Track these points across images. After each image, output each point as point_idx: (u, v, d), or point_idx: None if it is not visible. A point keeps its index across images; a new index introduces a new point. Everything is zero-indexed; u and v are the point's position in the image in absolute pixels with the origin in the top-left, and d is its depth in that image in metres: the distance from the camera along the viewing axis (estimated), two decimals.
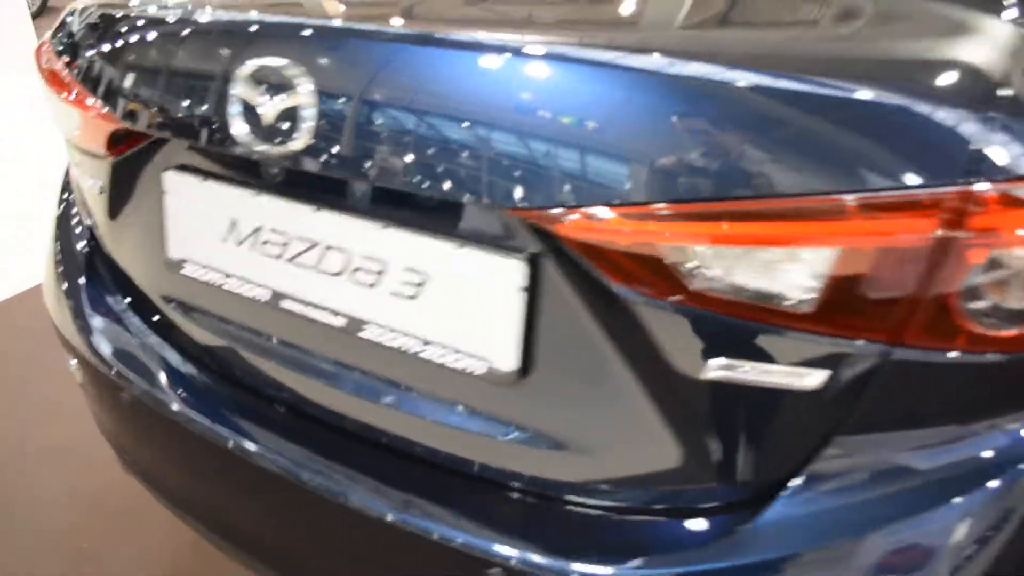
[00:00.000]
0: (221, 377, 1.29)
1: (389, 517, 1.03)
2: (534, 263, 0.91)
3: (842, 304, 0.80)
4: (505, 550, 0.96)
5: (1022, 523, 0.84)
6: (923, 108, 0.76)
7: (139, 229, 1.33)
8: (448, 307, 0.99)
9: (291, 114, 0.98)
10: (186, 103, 1.10)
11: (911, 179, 0.74)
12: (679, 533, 0.93)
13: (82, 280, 1.47)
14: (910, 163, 0.75)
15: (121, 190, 1.33)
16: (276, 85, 0.99)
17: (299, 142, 0.98)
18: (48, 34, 1.44)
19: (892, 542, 0.85)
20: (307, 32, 1.02)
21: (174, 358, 1.34)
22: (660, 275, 0.84)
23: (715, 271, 0.82)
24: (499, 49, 0.90)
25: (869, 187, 0.75)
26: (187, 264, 1.24)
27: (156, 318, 1.38)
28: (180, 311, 1.32)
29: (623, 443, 0.96)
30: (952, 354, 0.81)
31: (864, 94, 0.77)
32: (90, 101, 1.24)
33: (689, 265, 0.82)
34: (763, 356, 0.84)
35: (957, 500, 0.83)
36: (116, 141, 1.28)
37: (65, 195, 1.63)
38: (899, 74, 0.83)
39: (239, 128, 1.03)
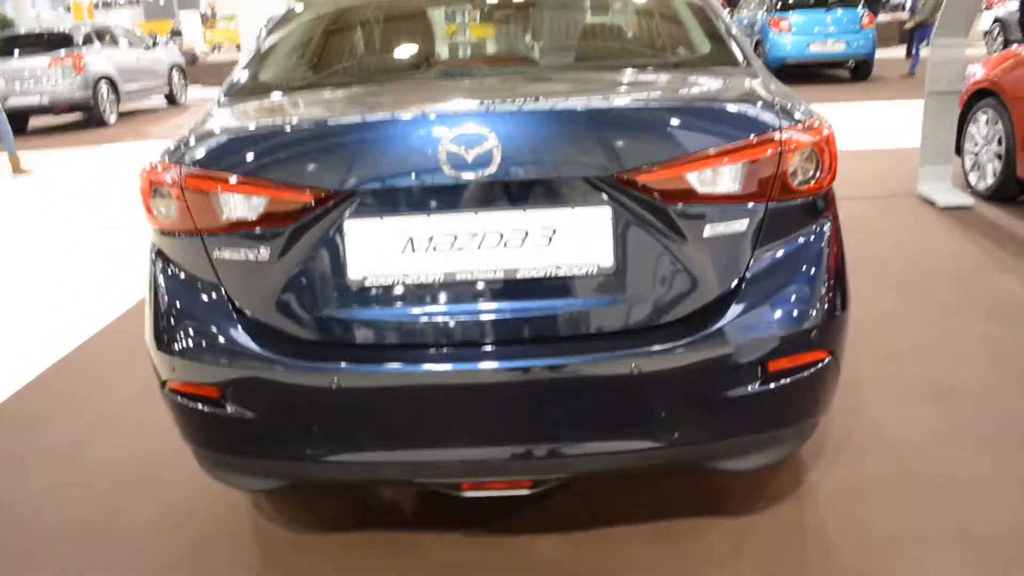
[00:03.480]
0: (405, 343, 1.85)
1: (559, 371, 1.79)
2: (613, 205, 1.79)
3: (745, 186, 1.80)
4: (629, 359, 1.78)
5: (826, 247, 1.93)
6: (761, 110, 1.87)
7: (311, 268, 1.84)
8: (569, 243, 1.80)
9: (485, 156, 1.72)
10: (412, 162, 1.75)
11: (763, 129, 1.81)
12: (703, 319, 1.83)
13: (240, 332, 1.89)
14: (759, 127, 1.81)
15: (291, 246, 1.83)
16: (473, 140, 1.72)
17: (492, 169, 1.73)
18: (184, 156, 1.89)
19: (789, 272, 1.90)
20: (491, 109, 1.80)
21: (365, 348, 1.86)
22: (685, 192, 1.78)
23: (703, 184, 1.78)
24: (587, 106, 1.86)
25: (753, 136, 1.80)
26: (368, 278, 1.83)
27: (340, 326, 1.85)
28: (363, 311, 1.84)
29: (672, 287, 1.83)
30: (790, 201, 1.86)
31: (733, 106, 1.90)
32: (288, 185, 1.79)
33: (694, 182, 1.77)
34: (724, 217, 1.81)
35: (806, 251, 1.91)
36: (297, 212, 1.79)
37: (167, 289, 1.98)
38: (740, 98, 1.96)
39: (450, 170, 1.73)
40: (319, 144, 1.84)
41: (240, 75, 2.42)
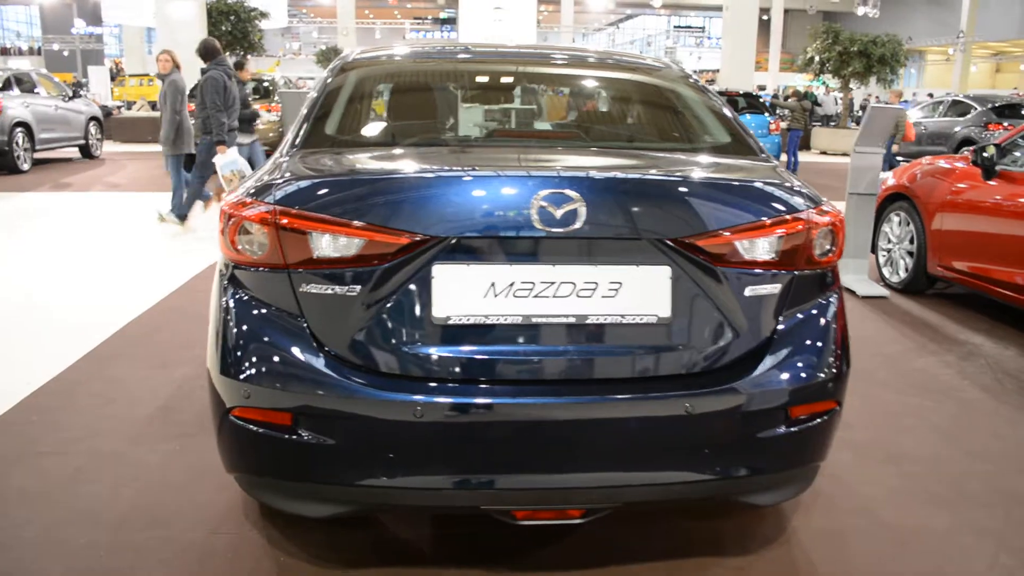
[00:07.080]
0: (483, 378, 2.01)
1: (620, 407, 2.01)
2: (673, 265, 2.04)
3: (780, 255, 2.12)
4: (683, 399, 2.02)
5: (836, 312, 2.27)
6: (792, 194, 2.20)
7: (397, 306, 2.00)
8: (633, 295, 2.04)
9: (571, 215, 1.97)
10: (503, 215, 1.98)
11: (796, 208, 2.16)
12: (745, 366, 2.10)
13: (322, 362, 2.01)
14: (793, 206, 2.16)
15: (380, 285, 1.99)
16: (561, 200, 1.97)
17: (576, 225, 1.97)
18: (279, 197, 2.02)
19: (810, 331, 2.20)
20: (578, 174, 2.08)
21: (447, 381, 2.01)
22: (732, 256, 2.08)
23: (747, 251, 2.08)
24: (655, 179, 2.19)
25: (789, 214, 2.14)
26: (451, 318, 1.99)
27: (422, 360, 2.00)
28: (445, 348, 2.00)
29: (719, 337, 2.09)
30: (811, 271, 2.20)
31: (772, 188, 2.21)
32: (385, 228, 1.96)
33: (741, 249, 2.07)
34: (762, 281, 2.11)
35: (822, 313, 2.24)
36: (390, 254, 1.96)
37: (243, 325, 2.07)
38: (776, 182, 2.24)
39: (540, 224, 1.96)
40: (417, 194, 2.01)
41: (307, 127, 2.51)
